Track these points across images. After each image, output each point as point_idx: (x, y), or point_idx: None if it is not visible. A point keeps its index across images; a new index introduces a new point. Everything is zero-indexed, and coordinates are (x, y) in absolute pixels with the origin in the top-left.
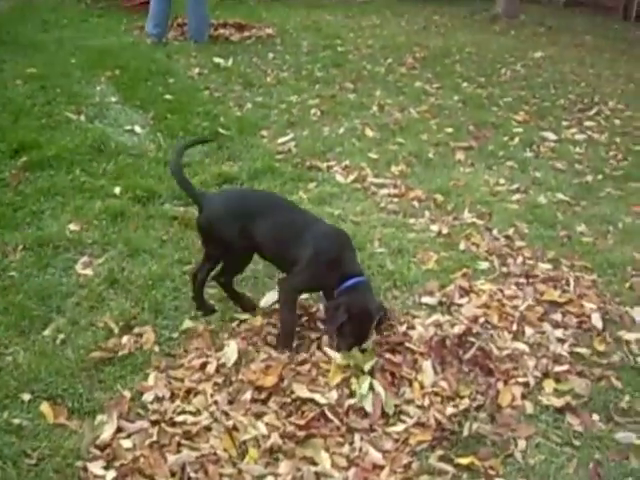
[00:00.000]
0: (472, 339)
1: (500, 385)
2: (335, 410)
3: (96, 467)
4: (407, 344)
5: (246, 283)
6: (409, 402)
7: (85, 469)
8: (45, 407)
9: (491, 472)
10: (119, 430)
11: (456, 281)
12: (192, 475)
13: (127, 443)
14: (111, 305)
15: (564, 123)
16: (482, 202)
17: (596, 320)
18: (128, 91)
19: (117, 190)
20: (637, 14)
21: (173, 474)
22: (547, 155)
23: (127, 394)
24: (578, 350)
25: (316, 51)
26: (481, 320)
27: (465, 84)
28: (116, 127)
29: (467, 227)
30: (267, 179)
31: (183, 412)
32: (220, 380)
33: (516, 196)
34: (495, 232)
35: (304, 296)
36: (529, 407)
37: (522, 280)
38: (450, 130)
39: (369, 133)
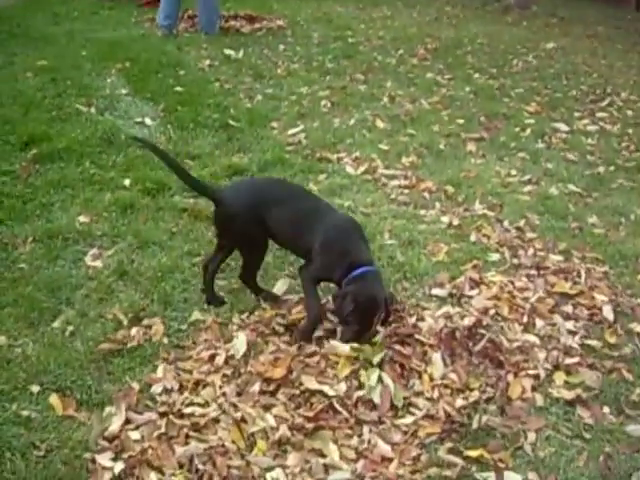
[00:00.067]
0: (482, 331)
1: (510, 377)
2: (344, 402)
3: (104, 459)
4: (417, 336)
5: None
6: (418, 394)
7: (93, 461)
8: (54, 399)
9: (501, 465)
10: (127, 422)
11: (466, 273)
12: (200, 467)
13: (135, 435)
14: (120, 297)
15: (576, 114)
16: (493, 193)
17: (607, 312)
18: (138, 83)
19: (127, 182)
20: None
21: (181, 466)
22: (559, 146)
23: (136, 386)
24: (589, 342)
25: (327, 42)
26: (491, 312)
27: (477, 75)
28: (126, 119)
29: (478, 218)
30: (277, 171)
31: (191, 404)
32: (229, 372)
33: (527, 187)
34: (506, 223)
35: None
36: (539, 399)
37: (533, 272)
38: (461, 121)
39: (380, 124)
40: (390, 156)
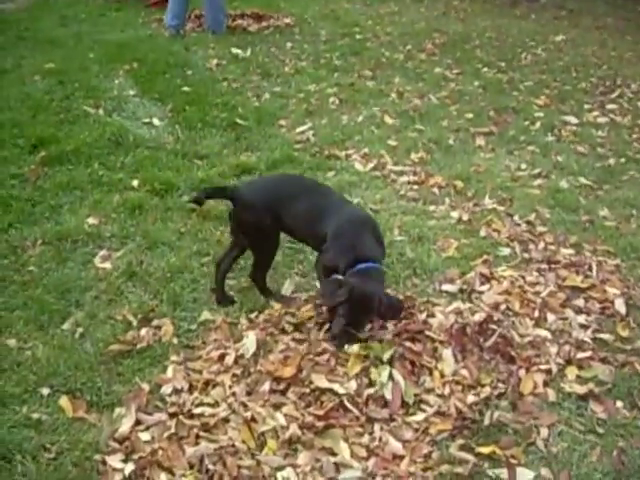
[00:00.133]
0: (493, 326)
1: (522, 373)
2: (354, 400)
3: (115, 460)
4: (427, 332)
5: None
6: (429, 391)
7: (104, 462)
8: (64, 401)
9: (513, 461)
10: (137, 423)
11: (477, 268)
12: (210, 467)
13: (145, 436)
14: (130, 298)
15: (586, 106)
16: (503, 188)
17: (619, 305)
18: (146, 84)
19: (135, 183)
20: None
21: (191, 466)
22: (569, 139)
23: (145, 387)
24: (601, 336)
25: (334, 40)
26: (502, 307)
27: (485, 69)
28: (134, 120)
29: (488, 213)
30: (286, 169)
31: (201, 404)
32: (239, 371)
33: (537, 181)
34: (516, 218)
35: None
36: (551, 395)
37: (544, 266)
38: (470, 116)
39: (388, 120)
40: (399, 152)
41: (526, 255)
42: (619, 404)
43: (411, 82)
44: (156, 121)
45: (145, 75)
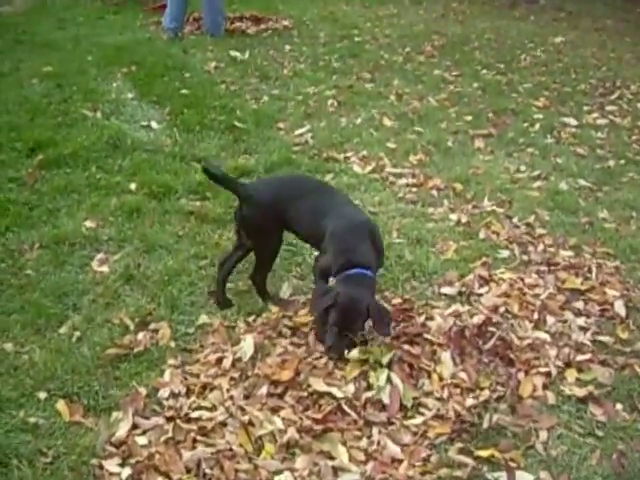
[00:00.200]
0: (492, 329)
1: (521, 375)
2: (352, 403)
3: (111, 464)
4: (426, 335)
5: None
6: (428, 394)
7: (100, 467)
8: (61, 405)
9: (512, 464)
10: (134, 427)
11: (476, 270)
12: (208, 471)
13: (142, 440)
14: (127, 301)
15: (585, 108)
16: (502, 190)
17: (619, 307)
18: (144, 87)
19: (133, 186)
20: None
21: (188, 470)
22: (568, 141)
23: (143, 390)
24: (601, 338)
25: (333, 42)
26: (501, 309)
27: (484, 71)
28: (132, 123)
29: (487, 215)
30: (284, 172)
31: (199, 408)
32: (236, 375)
33: (537, 183)
34: (515, 220)
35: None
36: (551, 397)
37: (543, 268)
38: (469, 118)
39: (387, 123)
40: (398, 154)
41: (525, 257)
42: (619, 407)
43: (410, 84)
44: (154, 124)
45: (143, 78)
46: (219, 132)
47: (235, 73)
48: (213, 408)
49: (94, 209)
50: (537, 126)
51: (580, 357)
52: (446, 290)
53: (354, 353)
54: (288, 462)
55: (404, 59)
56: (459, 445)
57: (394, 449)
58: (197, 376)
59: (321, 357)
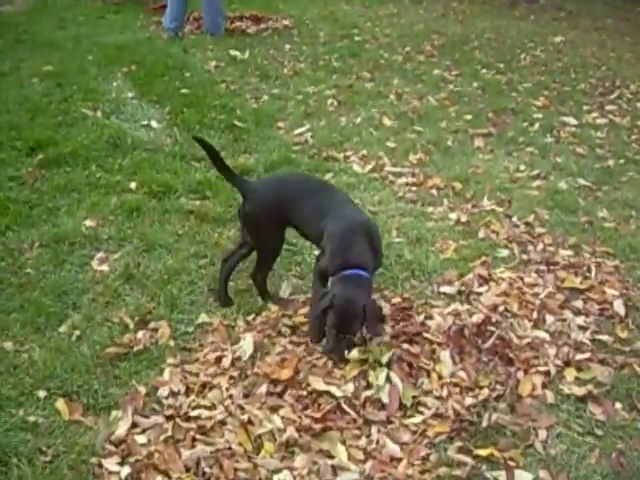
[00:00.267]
0: (491, 328)
1: (520, 374)
2: (352, 402)
3: (111, 463)
4: (425, 334)
5: None
6: (427, 393)
7: (100, 465)
8: (60, 404)
9: (511, 463)
10: (134, 426)
11: (475, 269)
12: (207, 470)
13: (142, 439)
14: (127, 300)
15: (585, 107)
16: (502, 189)
17: (618, 306)
18: (144, 86)
19: (133, 185)
20: None
21: (188, 469)
22: (568, 140)
23: (142, 389)
24: (600, 337)
25: (333, 41)
26: (501, 309)
27: (484, 70)
28: (132, 122)
29: (486, 214)
30: (284, 171)
31: (198, 407)
32: (235, 374)
33: (536, 182)
34: (515, 219)
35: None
36: (550, 396)
37: (542, 267)
38: (469, 117)
39: (387, 122)
40: (397, 153)
41: (525, 256)
42: (618, 406)
43: (410, 83)
44: (154, 123)
45: (143, 77)
46: (219, 131)
47: (235, 72)
48: (212, 407)
49: (94, 208)
50: (537, 125)
51: (579, 356)
52: (445, 289)
53: (354, 352)
54: (287, 461)
55: (404, 58)
56: (458, 444)
57: (393, 448)
58: (196, 375)
59: (320, 356)
